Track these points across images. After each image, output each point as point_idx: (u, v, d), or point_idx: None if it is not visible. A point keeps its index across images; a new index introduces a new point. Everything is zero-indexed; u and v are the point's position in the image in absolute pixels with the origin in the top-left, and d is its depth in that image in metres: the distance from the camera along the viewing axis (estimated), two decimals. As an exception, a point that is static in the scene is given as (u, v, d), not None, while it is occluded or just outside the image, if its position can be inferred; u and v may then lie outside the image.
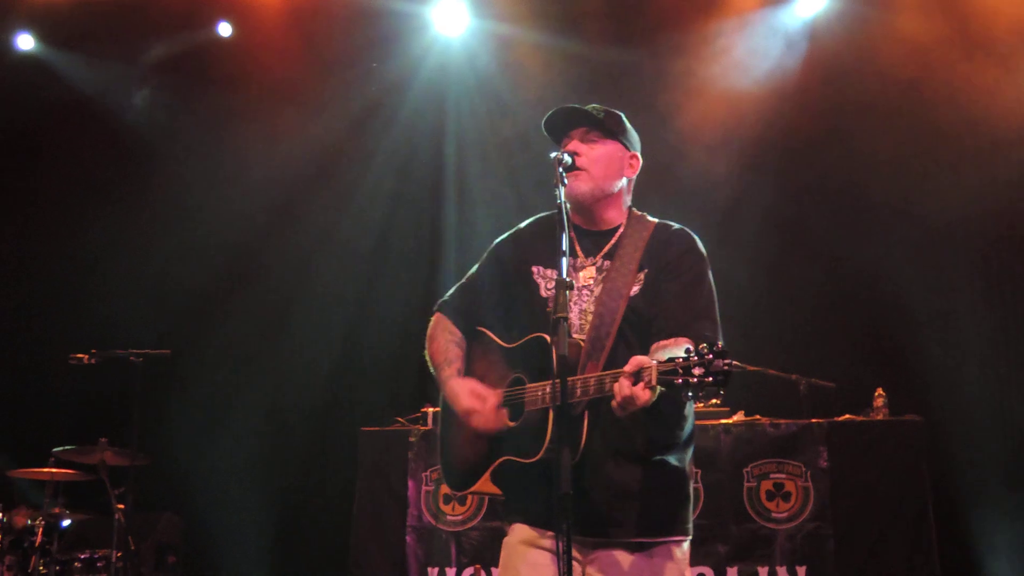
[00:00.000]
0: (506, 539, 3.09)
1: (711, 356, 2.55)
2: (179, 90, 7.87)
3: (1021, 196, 6.79)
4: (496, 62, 7.75)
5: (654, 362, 2.62)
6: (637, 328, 2.99)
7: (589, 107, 3.15)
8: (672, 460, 2.98)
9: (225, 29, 7.92)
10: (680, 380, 2.57)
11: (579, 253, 3.11)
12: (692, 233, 3.13)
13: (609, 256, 3.08)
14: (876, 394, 6.16)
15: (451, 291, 3.34)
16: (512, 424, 2.99)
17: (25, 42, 7.95)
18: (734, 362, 2.56)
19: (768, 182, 7.22)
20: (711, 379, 2.54)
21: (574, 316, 3.00)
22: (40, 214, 7.85)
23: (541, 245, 3.14)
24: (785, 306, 7.13)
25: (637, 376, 2.62)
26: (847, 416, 6.03)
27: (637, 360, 2.65)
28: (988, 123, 6.76)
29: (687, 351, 2.59)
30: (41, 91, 7.78)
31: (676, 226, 3.15)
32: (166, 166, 7.87)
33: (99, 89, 7.90)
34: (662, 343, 2.89)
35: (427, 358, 3.25)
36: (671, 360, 2.59)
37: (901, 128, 7.02)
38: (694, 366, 2.56)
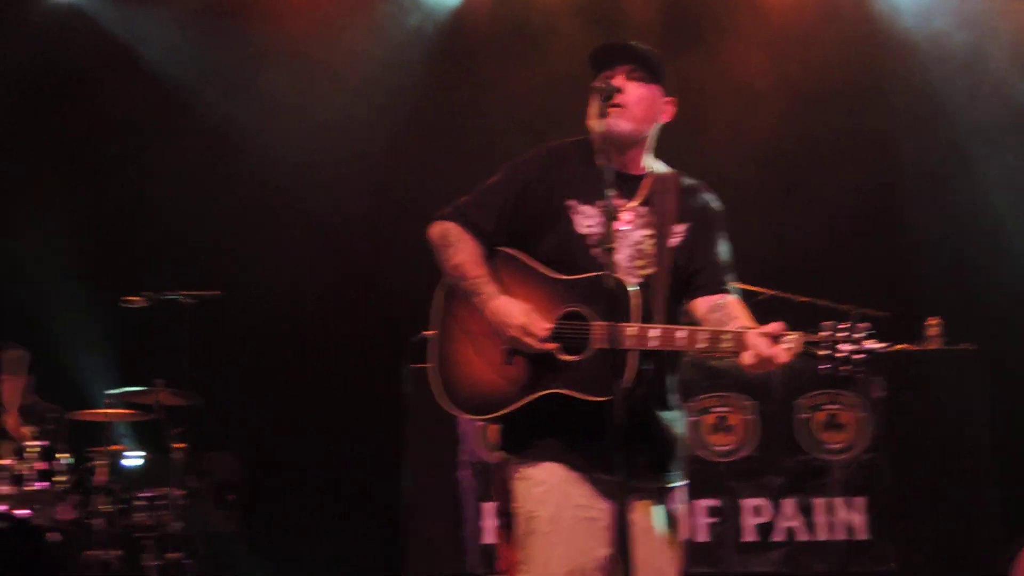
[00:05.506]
0: (541, 477, 2.88)
1: (860, 336, 2.65)
2: (215, 30, 7.82)
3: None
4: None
5: (799, 332, 2.70)
6: (676, 280, 2.98)
7: (638, 44, 3.05)
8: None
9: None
10: (824, 352, 2.66)
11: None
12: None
13: (646, 204, 3.01)
14: (930, 323, 6.05)
15: (462, 202, 3.08)
16: (572, 358, 2.85)
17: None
18: (881, 345, 2.67)
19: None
20: (860, 357, 2.64)
21: (622, 258, 2.93)
22: (86, 160, 7.88)
23: (572, 177, 3.01)
24: (834, 234, 7.00)
25: (776, 339, 2.69)
26: (903, 345, 5.93)
27: (779, 324, 2.73)
28: None
29: (833, 326, 2.68)
30: (80, 38, 7.75)
31: (691, 178, 3.14)
32: (206, 108, 7.83)
33: (137, 34, 7.87)
34: (712, 299, 2.96)
35: (447, 265, 3.02)
36: (817, 332, 2.70)
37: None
38: (840, 342, 2.65)
